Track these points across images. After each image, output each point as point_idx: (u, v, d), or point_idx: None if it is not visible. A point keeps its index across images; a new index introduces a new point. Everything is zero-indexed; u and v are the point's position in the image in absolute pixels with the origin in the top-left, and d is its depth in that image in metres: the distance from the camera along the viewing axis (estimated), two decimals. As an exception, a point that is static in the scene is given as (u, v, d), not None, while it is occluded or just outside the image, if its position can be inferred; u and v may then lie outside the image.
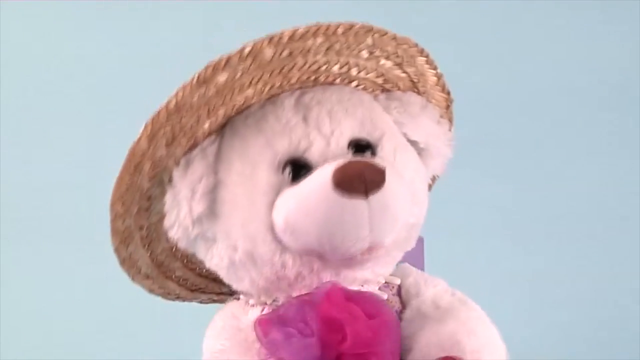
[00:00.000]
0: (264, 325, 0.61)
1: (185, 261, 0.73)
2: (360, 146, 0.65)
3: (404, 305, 0.68)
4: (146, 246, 0.69)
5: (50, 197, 1.30)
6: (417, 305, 0.68)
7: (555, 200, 1.37)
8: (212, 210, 0.64)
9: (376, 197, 0.60)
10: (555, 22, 1.41)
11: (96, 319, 1.26)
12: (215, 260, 0.66)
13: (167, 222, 0.65)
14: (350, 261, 0.63)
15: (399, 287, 0.69)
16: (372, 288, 0.67)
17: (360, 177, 0.59)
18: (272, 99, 0.66)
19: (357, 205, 0.60)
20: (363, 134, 0.66)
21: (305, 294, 0.62)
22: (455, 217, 1.28)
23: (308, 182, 0.62)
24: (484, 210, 1.34)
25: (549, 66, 1.40)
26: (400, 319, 0.68)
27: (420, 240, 0.70)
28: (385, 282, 0.68)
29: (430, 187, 0.75)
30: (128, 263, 0.69)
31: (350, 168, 0.60)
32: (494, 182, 1.34)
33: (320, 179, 0.61)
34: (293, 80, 0.65)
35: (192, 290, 0.75)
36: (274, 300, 0.66)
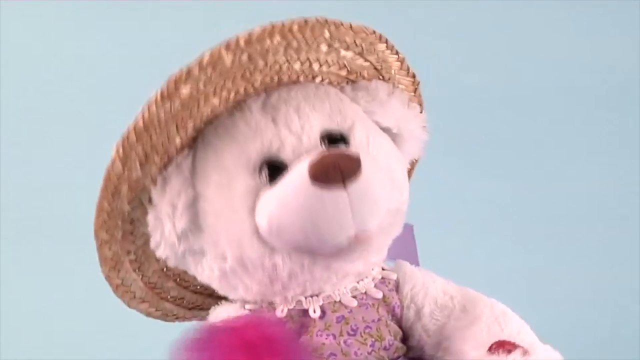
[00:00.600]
0: (191, 339, 0.60)
1: (178, 280, 0.73)
2: (332, 138, 0.66)
3: (401, 300, 0.69)
4: (136, 270, 0.70)
5: (50, 197, 1.30)
6: (433, 298, 0.69)
7: (555, 200, 1.37)
8: (195, 223, 0.65)
9: (354, 185, 0.60)
10: (555, 22, 1.41)
11: (96, 319, 1.26)
12: (206, 272, 0.66)
13: (153, 243, 0.65)
14: (338, 252, 0.63)
15: (396, 282, 0.69)
16: (368, 283, 0.67)
17: (335, 167, 0.60)
18: (239, 105, 0.66)
19: (336, 195, 0.60)
20: (333, 125, 0.66)
21: (234, 321, 0.61)
22: (454, 216, 1.28)
23: (286, 181, 0.62)
24: (484, 210, 1.34)
25: (549, 65, 1.40)
26: (396, 314, 0.68)
27: (410, 228, 0.71)
28: (382, 278, 0.69)
29: (410, 172, 0.75)
30: (121, 289, 0.70)
31: (324, 160, 0.60)
32: (494, 181, 1.34)
33: (297, 175, 0.61)
34: (257, 84, 0.65)
35: (189, 309, 0.76)
36: (270, 303, 0.66)
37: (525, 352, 0.63)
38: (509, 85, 1.38)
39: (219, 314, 0.68)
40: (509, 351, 0.63)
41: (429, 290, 0.69)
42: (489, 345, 0.64)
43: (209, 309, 0.74)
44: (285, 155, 0.64)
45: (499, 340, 0.64)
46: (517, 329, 0.66)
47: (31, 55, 1.33)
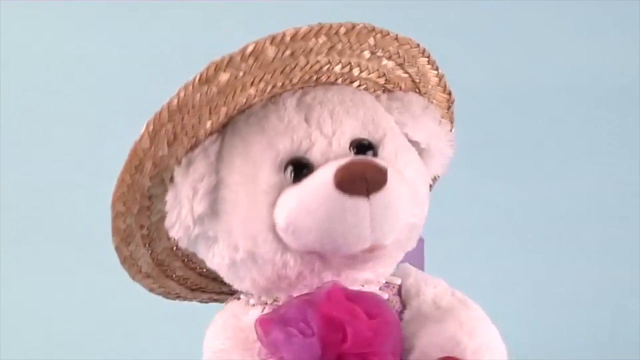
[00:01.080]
0: (265, 324, 0.61)
1: (185, 260, 0.73)
2: (361, 146, 0.65)
3: (404, 305, 0.69)
4: (147, 245, 0.69)
5: (50, 197, 1.30)
6: (417, 305, 0.68)
7: (555, 200, 1.37)
8: (213, 209, 0.65)
9: (378, 197, 0.60)
10: (556, 22, 1.41)
11: (96, 319, 1.26)
12: (216, 259, 0.66)
13: (168, 222, 0.65)
14: (351, 261, 0.63)
15: (400, 287, 0.69)
16: (373, 288, 0.67)
17: (362, 176, 0.60)
18: (273, 98, 0.66)
19: (358, 205, 0.60)
20: (364, 134, 0.66)
21: (307, 294, 0.62)
22: (455, 217, 1.28)
23: (310, 182, 0.62)
24: (484, 210, 1.34)
25: (549, 66, 1.40)
26: (400, 319, 0.68)
27: (421, 241, 0.71)
28: (386, 282, 0.69)
29: (430, 187, 0.75)
30: (129, 262, 0.69)
31: (351, 168, 0.60)
32: (494, 182, 1.34)
33: (322, 178, 0.61)
34: (295, 80, 0.65)
35: (192, 290, 0.76)
36: (274, 300, 0.66)
37: None
38: (509, 86, 1.38)
39: (224, 314, 0.68)
40: None
41: (419, 294, 0.68)
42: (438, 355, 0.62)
43: (211, 292, 0.75)
44: (313, 156, 0.64)
45: (442, 357, 0.62)
46: (474, 347, 0.63)
47: (31, 55, 1.33)
